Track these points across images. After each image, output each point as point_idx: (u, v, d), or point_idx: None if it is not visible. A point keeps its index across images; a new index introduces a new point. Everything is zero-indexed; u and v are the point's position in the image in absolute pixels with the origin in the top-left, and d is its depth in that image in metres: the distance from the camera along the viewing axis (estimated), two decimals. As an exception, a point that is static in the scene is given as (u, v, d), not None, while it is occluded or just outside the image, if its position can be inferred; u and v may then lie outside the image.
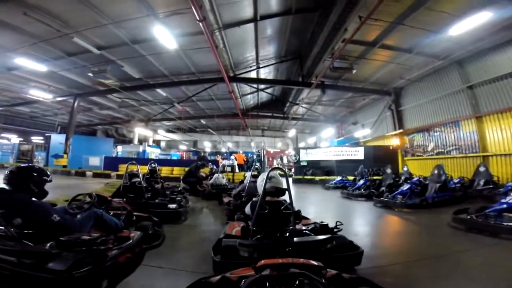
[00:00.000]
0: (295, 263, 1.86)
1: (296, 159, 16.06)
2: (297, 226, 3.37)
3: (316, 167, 14.92)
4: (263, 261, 1.89)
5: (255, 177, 5.42)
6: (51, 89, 13.87)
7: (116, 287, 2.30)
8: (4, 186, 2.40)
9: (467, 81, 9.45)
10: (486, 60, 8.64)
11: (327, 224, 3.47)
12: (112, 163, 15.79)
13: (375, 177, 10.39)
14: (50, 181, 2.62)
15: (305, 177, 14.35)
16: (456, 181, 7.89)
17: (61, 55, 10.21)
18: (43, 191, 2.53)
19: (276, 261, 1.88)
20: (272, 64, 12.18)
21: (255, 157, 21.23)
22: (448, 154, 10.66)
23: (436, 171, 7.26)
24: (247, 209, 3.58)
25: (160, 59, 10.78)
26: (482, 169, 7.96)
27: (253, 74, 12.84)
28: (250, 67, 12.08)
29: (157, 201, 5.43)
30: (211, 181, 8.91)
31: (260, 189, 3.27)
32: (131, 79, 12.62)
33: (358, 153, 14.14)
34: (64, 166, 15.46)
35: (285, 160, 25.80)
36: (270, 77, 13.92)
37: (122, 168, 11.82)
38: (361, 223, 5.67)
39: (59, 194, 5.93)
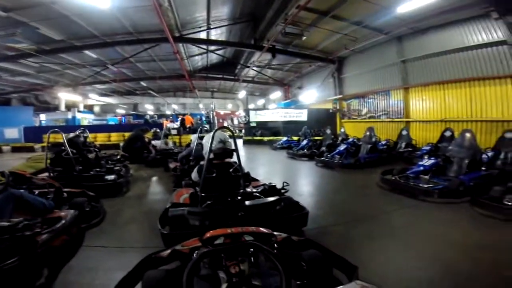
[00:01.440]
0: (244, 231, 1.90)
1: (246, 120, 16.15)
2: (247, 189, 3.44)
3: (265, 128, 15.38)
4: (211, 232, 1.88)
5: (202, 139, 5.21)
6: None
7: (59, 274, 2.13)
8: None
9: (401, 56, 10.39)
10: (421, 39, 9.51)
11: (275, 185, 3.62)
12: (34, 133, 13.54)
13: (316, 138, 11.19)
14: None
15: (254, 137, 14.73)
16: (383, 143, 8.99)
17: None
18: None
19: (225, 231, 1.88)
20: (224, 26, 11.29)
21: (204, 118, 20.61)
22: (378, 118, 12.01)
23: (368, 133, 8.13)
24: (194, 174, 3.42)
25: (88, 19, 8.93)
26: (404, 132, 9.22)
27: (203, 35, 11.80)
28: (200, 27, 10.98)
29: (91, 173, 4.88)
30: (157, 145, 8.39)
31: (207, 152, 3.13)
32: (51, 41, 10.36)
33: (302, 115, 14.91)
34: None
35: (235, 121, 25.76)
36: (222, 38, 12.95)
37: (48, 139, 10.21)
38: (305, 183, 6.17)
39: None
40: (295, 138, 11.99)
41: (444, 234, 3.04)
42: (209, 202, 2.94)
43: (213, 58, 16.14)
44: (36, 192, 3.05)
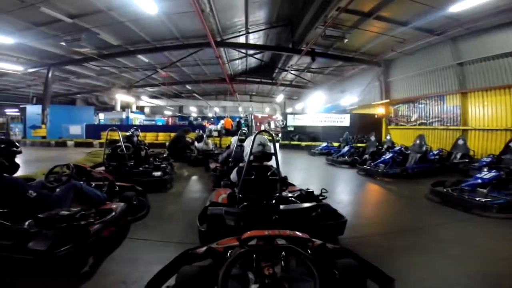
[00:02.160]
0: (281, 235, 1.89)
1: (283, 124, 16.09)
2: (283, 193, 3.41)
3: (303, 132, 15.05)
4: (248, 232, 1.90)
5: (241, 141, 5.32)
6: (21, 61, 12.73)
7: (102, 263, 2.25)
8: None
9: (458, 58, 9.40)
10: (480, 40, 8.52)
11: (312, 191, 3.52)
12: (94, 131, 15.25)
13: (359, 145, 10.64)
14: (20, 152, 2.40)
15: (292, 142, 14.54)
16: (435, 152, 8.17)
17: (28, 26, 9.22)
18: (14, 164, 2.33)
19: (262, 232, 1.88)
20: (262, 30, 11.51)
21: (242, 121, 21.10)
22: (430, 125, 10.94)
23: (417, 142, 7.46)
24: (233, 175, 3.51)
25: (140, 25, 9.89)
26: (460, 142, 8.24)
27: (241, 39, 12.14)
28: (239, 32, 11.35)
29: (141, 169, 5.27)
30: (198, 146, 8.80)
31: (247, 154, 3.18)
32: (110, 46, 11.70)
33: (344, 120, 14.30)
34: (43, 137, 14.76)
35: (272, 125, 25.82)
36: (260, 42, 13.21)
37: (105, 136, 11.44)
38: (344, 190, 5.88)
39: (38, 167, 5.66)
40: (335, 144, 11.55)
41: (500, 250, 2.66)
42: (245, 203, 2.99)
43: (252, 62, 16.46)
44: (93, 184, 3.38)
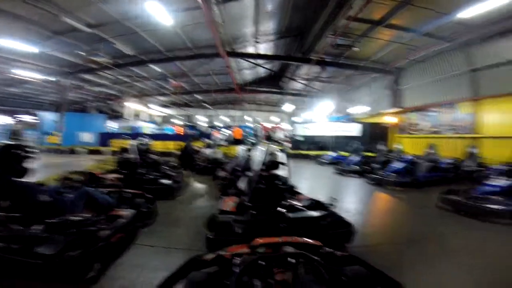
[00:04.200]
0: (292, 242, 1.87)
1: (292, 134, 16.06)
2: (292, 202, 3.40)
3: (311, 142, 14.97)
4: (259, 239, 1.89)
5: (249, 151, 5.38)
6: (39, 69, 13.29)
7: (109, 268, 2.28)
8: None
9: (471, 64, 9.27)
10: (493, 45, 8.42)
11: (320, 201, 3.50)
12: (106, 138, 15.57)
13: (368, 154, 10.47)
14: (31, 157, 2.47)
15: (300, 152, 14.44)
16: (448, 161, 7.95)
17: (50, 35, 9.68)
18: (22, 168, 2.38)
19: (273, 239, 1.87)
20: (272, 40, 11.71)
21: (251, 131, 21.17)
22: (442, 133, 10.70)
23: (429, 150, 7.31)
24: (242, 183, 3.54)
25: (154, 35, 10.26)
26: (472, 150, 8.03)
27: (251, 49, 12.38)
28: (248, 42, 11.57)
29: (151, 177, 5.36)
30: (208, 154, 8.88)
31: (256, 163, 3.21)
32: (124, 56, 12.13)
33: (354, 130, 14.16)
34: (57, 144, 15.20)
35: (281, 135, 25.79)
36: (270, 52, 13.38)
37: (116, 144, 11.65)
38: (353, 200, 5.78)
39: (50, 173, 5.80)
40: (345, 153, 11.41)
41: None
42: (254, 212, 2.99)
43: (261, 71, 16.65)
44: (105, 191, 3.45)
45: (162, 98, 22.64)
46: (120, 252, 2.53)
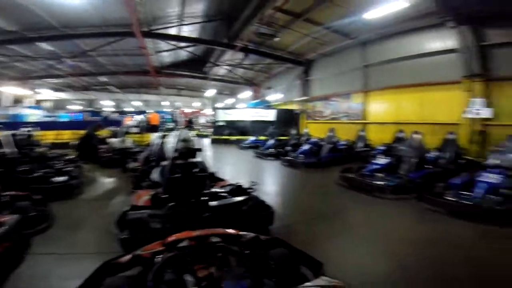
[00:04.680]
0: (211, 233, 1.87)
1: (214, 119, 15.92)
2: (213, 189, 3.39)
3: (233, 127, 15.30)
4: (174, 236, 1.82)
5: (164, 138, 5.02)
6: None
7: (4, 282, 1.98)
8: None
9: (365, 60, 11.09)
10: (383, 45, 10.22)
11: (241, 185, 3.61)
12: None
13: (282, 137, 11.43)
14: None
15: (222, 137, 14.59)
16: (344, 143, 9.44)
17: None
18: None
19: (188, 234, 1.83)
20: (198, 23, 10.98)
21: (169, 117, 19.85)
22: (340, 120, 12.63)
23: (329, 134, 8.53)
24: (156, 174, 3.29)
25: (48, 10, 8.11)
26: (361, 134, 9.85)
27: (173, 31, 11.41)
28: (171, 23, 10.54)
29: (38, 174, 4.42)
30: (114, 144, 7.83)
31: (170, 151, 3.02)
32: (2, 32, 9.20)
33: (270, 115, 15.13)
34: None
35: (203, 120, 25.19)
36: (194, 35, 12.53)
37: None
38: (270, 181, 6.32)
39: None
40: (263, 137, 12.12)
41: (396, 229, 3.37)
42: (172, 204, 2.84)
43: (183, 55, 15.61)
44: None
45: (54, 80, 18.45)
46: (13, 264, 2.19)
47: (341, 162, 7.47)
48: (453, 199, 3.79)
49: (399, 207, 4.18)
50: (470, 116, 7.21)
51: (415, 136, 5.72)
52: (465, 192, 3.87)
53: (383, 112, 10.47)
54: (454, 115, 7.72)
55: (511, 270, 2.36)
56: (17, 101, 19.54)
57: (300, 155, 7.65)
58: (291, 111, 15.62)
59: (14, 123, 10.62)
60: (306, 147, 7.93)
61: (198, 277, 1.43)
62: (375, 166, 5.35)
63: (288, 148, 9.05)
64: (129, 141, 8.45)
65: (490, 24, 6.97)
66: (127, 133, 9.89)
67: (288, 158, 7.92)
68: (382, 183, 4.80)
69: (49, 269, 2.24)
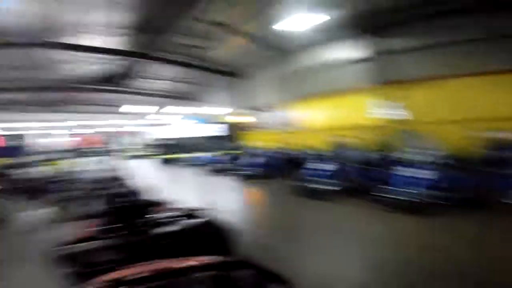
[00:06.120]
0: (155, 269, 1.64)
1: (153, 139, 14.89)
2: (155, 215, 3.08)
3: (176, 145, 14.78)
4: (111, 274, 1.59)
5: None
6: None
7: None
8: None
9: (292, 70, 11.53)
10: (302, 54, 10.96)
11: (193, 208, 3.35)
12: None
13: (232, 152, 11.31)
14: None
15: (168, 155, 14.04)
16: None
17: None
18: None
19: (130, 272, 1.60)
20: (120, 35, 10.12)
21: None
22: (278, 129, 12.54)
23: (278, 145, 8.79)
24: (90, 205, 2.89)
25: None
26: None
27: (88, 41, 10.22)
28: (87, 33, 9.46)
29: None
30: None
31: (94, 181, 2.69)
32: None
33: (216, 129, 14.91)
34: None
35: (139, 140, 23.16)
36: (117, 47, 11.52)
37: None
38: (225, 199, 6.10)
39: None
40: (211, 154, 11.84)
41: None
42: (114, 234, 2.55)
43: (103, 67, 14.14)
44: None
45: None
46: None
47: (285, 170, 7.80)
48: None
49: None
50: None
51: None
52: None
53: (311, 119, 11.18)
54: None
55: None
56: None
57: (248, 169, 7.85)
58: (235, 124, 15.58)
59: None
60: (254, 160, 8.21)
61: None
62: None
63: (238, 162, 9.13)
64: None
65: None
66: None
67: (239, 172, 8.08)
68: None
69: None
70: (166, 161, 13.49)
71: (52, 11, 7.44)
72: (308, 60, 10.87)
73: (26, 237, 3.65)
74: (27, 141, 14.14)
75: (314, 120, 11.05)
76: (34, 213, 4.95)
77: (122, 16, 9.15)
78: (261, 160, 8.02)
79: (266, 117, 13.95)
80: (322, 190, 5.02)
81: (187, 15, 7.98)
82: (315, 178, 5.51)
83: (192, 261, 1.74)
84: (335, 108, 10.13)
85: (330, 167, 5.72)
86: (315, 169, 5.75)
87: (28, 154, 8.65)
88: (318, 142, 10.02)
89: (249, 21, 8.81)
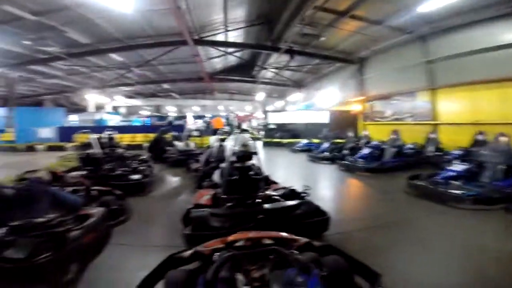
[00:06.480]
0: (266, 236, 1.91)
1: (265, 122, 16.16)
2: (267, 192, 3.45)
3: (284, 130, 15.22)
4: (234, 235, 1.91)
5: (222, 141, 5.33)
6: None
7: (85, 271, 2.17)
8: None
9: (427, 55, 9.92)
10: (447, 39, 9.07)
11: (295, 189, 3.58)
12: (67, 133, 14.34)
13: (338, 140, 10.92)
14: None
15: (273, 140, 14.64)
16: (410, 147, 8.49)
17: None
18: None
19: (246, 235, 1.91)
20: (241, 28, 11.46)
21: (225, 120, 21.01)
22: (403, 120, 11.46)
23: (393, 136, 7.81)
24: (216, 176, 3.50)
25: (110, 22, 9.41)
26: (432, 136, 8.72)
27: (221, 37, 12.05)
28: (217, 30, 11.20)
29: (118, 172, 5.09)
30: (179, 146, 8.64)
31: (228, 154, 3.20)
32: (79, 45, 11.04)
33: (323, 117, 14.63)
34: (11, 142, 13.87)
35: (254, 123, 25.87)
36: (239, 40, 13.12)
37: (79, 139, 10.87)
38: (326, 186, 6.05)
39: (5, 174, 5.28)
40: (316, 140, 11.79)
41: (476, 242, 2.86)
42: (229, 204, 2.99)
43: (231, 60, 16.31)
44: (69, 189, 3.21)
45: (126, 88, 21.32)
46: (95, 253, 2.42)
47: (408, 168, 6.76)
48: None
49: (481, 219, 3.54)
50: None
51: (501, 138, 4.85)
52: None
53: (457, 111, 9.16)
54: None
55: None
56: (98, 107, 23.03)
57: (359, 159, 7.13)
58: (346, 112, 14.81)
59: (98, 127, 12.62)
60: (366, 150, 7.35)
61: (251, 278, 1.47)
62: (450, 173, 4.64)
63: (345, 151, 8.58)
64: (191, 144, 9.21)
65: None
66: (189, 136, 10.81)
67: (345, 162, 7.46)
68: (459, 192, 4.14)
69: (123, 260, 2.45)
70: (265, 144, 14.33)
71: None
72: (444, 46, 9.11)
73: (162, 200, 4.58)
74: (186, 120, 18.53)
75: (458, 112, 9.20)
76: (173, 179, 6.35)
77: (241, 12, 10.26)
78: (372, 151, 7.24)
79: (385, 106, 12.59)
80: (454, 195, 4.15)
81: (303, 5, 7.91)
82: (447, 180, 4.59)
83: (285, 236, 1.95)
84: (489, 99, 8.09)
85: (467, 167, 4.66)
86: (450, 170, 4.78)
87: (185, 131, 11.25)
88: (457, 138, 8.29)
89: (371, 5, 8.11)
